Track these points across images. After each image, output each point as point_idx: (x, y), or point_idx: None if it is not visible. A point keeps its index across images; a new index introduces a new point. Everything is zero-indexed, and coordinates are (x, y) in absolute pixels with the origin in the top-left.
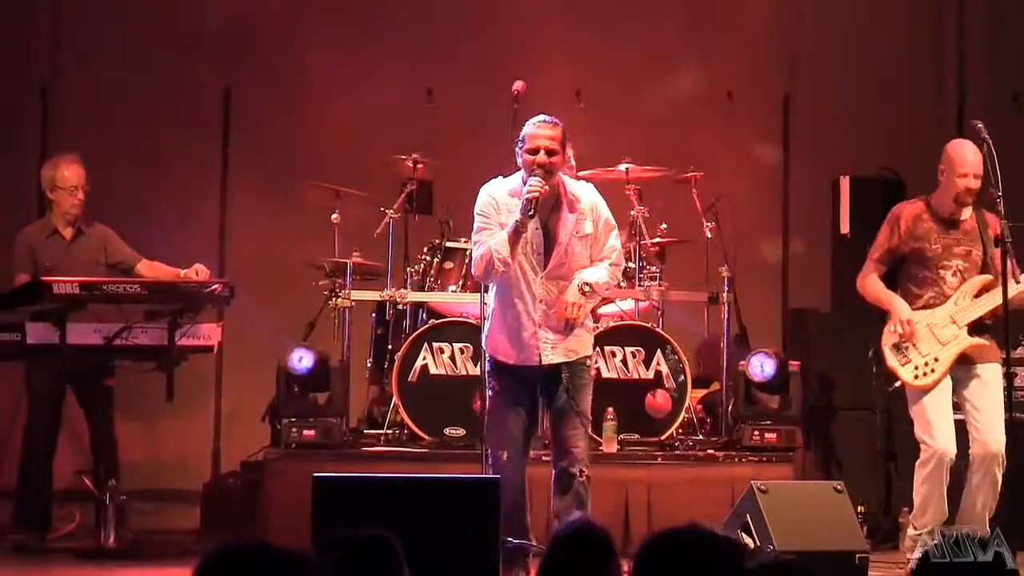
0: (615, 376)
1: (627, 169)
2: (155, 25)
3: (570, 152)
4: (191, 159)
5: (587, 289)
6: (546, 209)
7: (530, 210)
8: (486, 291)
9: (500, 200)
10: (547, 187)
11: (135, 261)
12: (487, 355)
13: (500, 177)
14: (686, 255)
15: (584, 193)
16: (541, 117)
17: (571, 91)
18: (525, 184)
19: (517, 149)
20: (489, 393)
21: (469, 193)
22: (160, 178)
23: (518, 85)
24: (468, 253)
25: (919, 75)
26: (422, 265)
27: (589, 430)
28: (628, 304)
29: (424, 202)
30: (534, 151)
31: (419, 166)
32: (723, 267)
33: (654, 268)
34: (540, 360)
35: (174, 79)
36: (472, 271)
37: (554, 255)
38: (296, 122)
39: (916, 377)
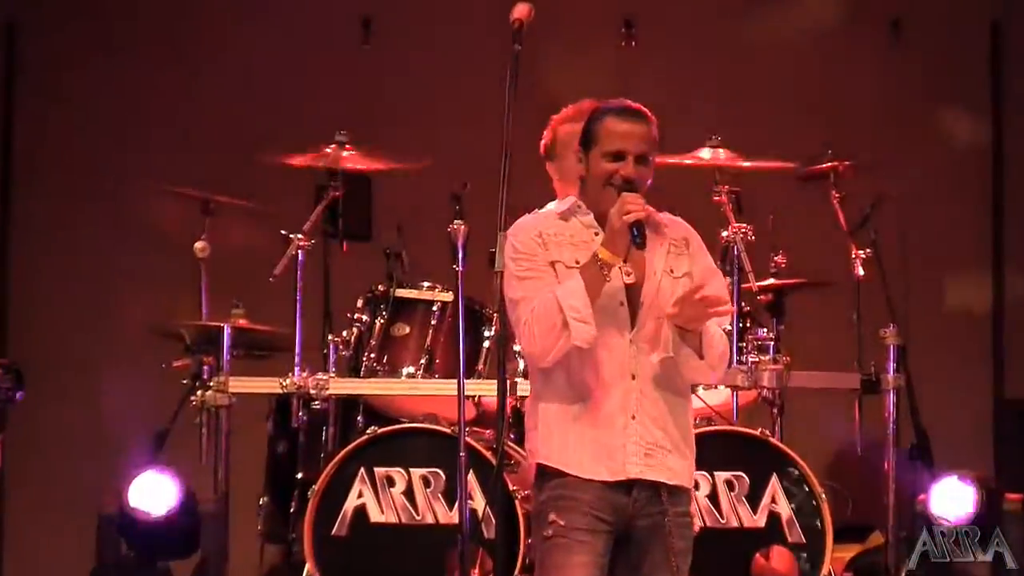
0: (697, 524)
1: (715, 156)
2: None
3: None
4: None
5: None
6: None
7: (638, 238)
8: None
9: (547, 229)
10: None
11: None
12: (536, 468)
13: (537, 209)
14: (821, 307)
15: (671, 220)
16: (627, 105)
17: (616, 22)
18: (616, 203)
19: (578, 148)
20: (547, 532)
21: (435, 203)
22: None
23: (520, 11)
24: (436, 309)
25: None
26: (355, 331)
27: None
28: (720, 394)
29: (357, 218)
30: (618, 155)
31: (348, 154)
32: (886, 328)
33: (765, 330)
34: (626, 472)
35: None
36: (524, 349)
37: (643, 304)
38: (129, 85)
39: None
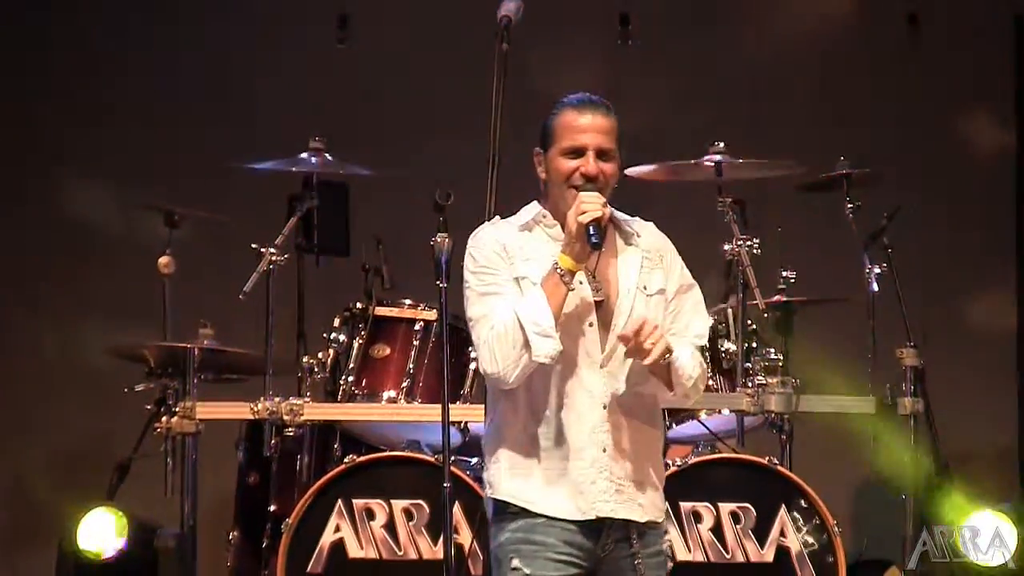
0: (700, 559)
1: (718, 164)
2: None
3: None
4: None
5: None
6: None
7: (595, 238)
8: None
9: (510, 242)
10: (608, 207)
11: None
12: (494, 504)
13: (497, 218)
14: (832, 325)
15: (643, 227)
16: (583, 96)
17: (611, 19)
18: (576, 201)
19: (537, 150)
20: None
21: (417, 214)
22: None
23: (508, 8)
24: (418, 328)
25: None
26: (331, 352)
27: None
28: (723, 419)
29: (333, 231)
30: (577, 152)
31: (323, 161)
32: (903, 347)
33: (771, 351)
34: (595, 510)
35: None
36: (485, 370)
37: (615, 327)
38: (88, 89)
39: None
